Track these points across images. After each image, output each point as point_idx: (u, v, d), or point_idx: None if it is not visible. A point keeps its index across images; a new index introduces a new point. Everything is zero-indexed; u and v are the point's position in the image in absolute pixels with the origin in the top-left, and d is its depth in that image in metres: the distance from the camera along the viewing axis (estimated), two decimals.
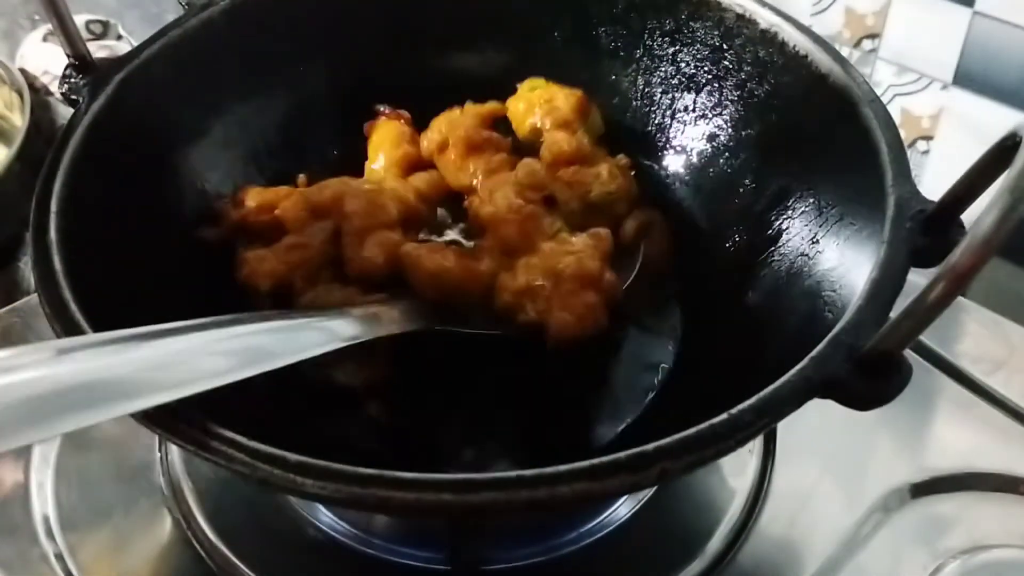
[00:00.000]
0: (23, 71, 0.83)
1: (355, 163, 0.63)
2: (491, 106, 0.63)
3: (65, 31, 0.53)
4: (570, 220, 0.56)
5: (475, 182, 0.58)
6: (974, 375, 0.64)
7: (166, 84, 0.56)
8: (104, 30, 0.90)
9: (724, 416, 0.38)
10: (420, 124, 0.63)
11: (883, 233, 0.44)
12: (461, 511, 0.38)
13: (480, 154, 0.59)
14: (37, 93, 0.82)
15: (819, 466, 0.58)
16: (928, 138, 0.75)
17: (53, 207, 0.47)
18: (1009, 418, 0.61)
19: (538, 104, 0.61)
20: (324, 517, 0.56)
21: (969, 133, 0.71)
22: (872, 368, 0.39)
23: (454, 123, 0.61)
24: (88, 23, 0.89)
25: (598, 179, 0.58)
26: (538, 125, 0.61)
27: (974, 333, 0.67)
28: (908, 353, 0.63)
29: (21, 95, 0.79)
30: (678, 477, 0.53)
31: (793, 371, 0.39)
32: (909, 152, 0.75)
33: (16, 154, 0.73)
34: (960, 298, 0.70)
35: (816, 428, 0.60)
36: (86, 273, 0.45)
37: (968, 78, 0.70)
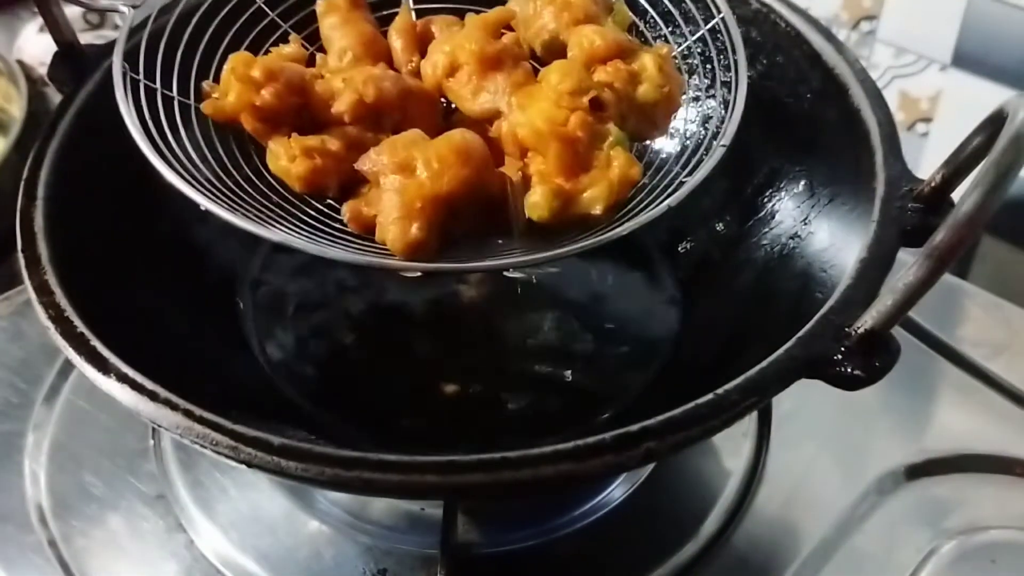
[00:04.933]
0: (20, 62, 0.83)
1: None
2: (497, 12, 0.50)
3: (51, 18, 0.53)
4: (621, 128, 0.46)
5: (502, 104, 0.47)
6: (975, 359, 0.63)
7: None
8: (101, 21, 0.90)
9: (710, 396, 0.38)
10: None
11: (873, 213, 0.44)
12: (445, 492, 0.38)
13: (499, 70, 0.47)
14: (34, 84, 0.82)
15: (814, 448, 0.58)
16: (927, 120, 0.74)
17: (40, 193, 0.47)
18: (1009, 402, 0.61)
19: (548, 1, 0.50)
20: (320, 504, 0.56)
21: (968, 114, 0.70)
22: (860, 347, 0.38)
23: (459, 39, 0.48)
24: (85, 14, 0.90)
25: (645, 73, 0.47)
26: (553, 26, 0.49)
27: (975, 317, 0.66)
28: (908, 337, 0.63)
29: (19, 86, 0.79)
30: (664, 458, 0.53)
31: (780, 351, 0.39)
32: (908, 135, 0.75)
33: (14, 145, 0.73)
34: (962, 281, 0.69)
35: (812, 410, 0.59)
36: (73, 259, 0.45)
37: (966, 59, 0.70)
